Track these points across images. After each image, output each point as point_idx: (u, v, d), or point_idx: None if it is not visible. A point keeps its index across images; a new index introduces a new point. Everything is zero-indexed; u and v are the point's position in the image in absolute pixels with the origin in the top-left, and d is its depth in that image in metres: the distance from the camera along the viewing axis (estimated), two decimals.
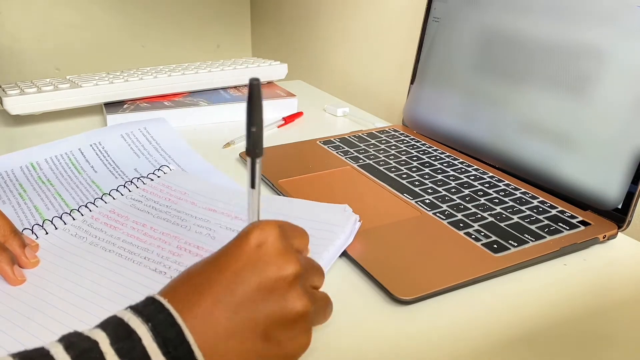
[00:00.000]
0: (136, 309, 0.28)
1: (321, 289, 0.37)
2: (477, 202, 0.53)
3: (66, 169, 0.61)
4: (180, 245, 0.45)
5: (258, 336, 0.29)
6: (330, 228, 0.45)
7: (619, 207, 0.49)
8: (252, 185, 0.33)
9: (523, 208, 0.52)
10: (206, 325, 0.28)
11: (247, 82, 0.88)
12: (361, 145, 0.68)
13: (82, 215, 0.50)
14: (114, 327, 0.27)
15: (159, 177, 0.57)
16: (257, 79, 0.30)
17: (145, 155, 0.64)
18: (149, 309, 0.28)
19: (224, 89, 0.87)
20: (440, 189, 0.56)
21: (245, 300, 0.29)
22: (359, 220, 0.47)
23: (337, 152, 0.66)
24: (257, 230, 0.31)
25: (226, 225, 0.48)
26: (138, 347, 0.26)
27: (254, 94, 0.30)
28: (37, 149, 0.64)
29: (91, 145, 0.66)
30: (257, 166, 0.33)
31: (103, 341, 0.26)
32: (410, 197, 0.54)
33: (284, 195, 0.55)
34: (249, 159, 0.33)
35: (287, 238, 0.32)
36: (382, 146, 0.68)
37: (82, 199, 0.54)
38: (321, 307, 0.35)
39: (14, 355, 0.25)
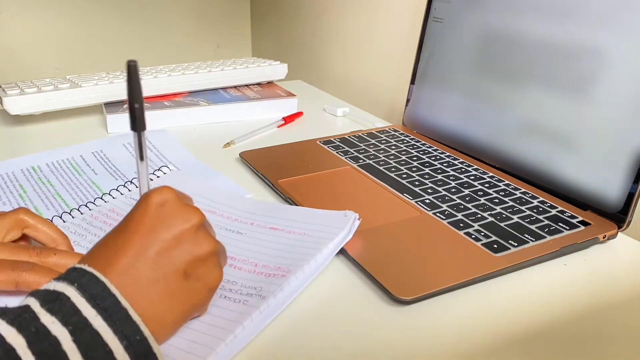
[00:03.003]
0: (59, 278, 0.30)
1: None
2: (477, 202, 0.53)
3: (66, 171, 0.61)
4: None
5: (180, 277, 0.34)
6: (329, 230, 0.45)
7: (621, 208, 0.49)
8: (141, 158, 0.37)
9: (523, 208, 0.52)
10: (129, 277, 0.31)
11: (247, 82, 0.89)
12: (361, 145, 0.68)
13: (82, 214, 0.50)
14: (42, 293, 0.29)
15: (158, 177, 0.57)
16: (134, 61, 0.33)
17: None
18: (72, 275, 0.30)
19: (224, 89, 0.87)
20: (440, 188, 0.56)
21: (162, 251, 0.33)
22: (359, 219, 0.47)
23: (337, 152, 0.66)
24: (155, 193, 0.35)
25: (225, 227, 0.48)
26: (67, 304, 0.28)
27: (132, 74, 0.34)
28: (38, 156, 0.64)
29: (92, 153, 0.66)
30: (143, 139, 0.36)
31: (34, 304, 0.28)
32: (410, 197, 0.54)
33: (283, 196, 0.55)
34: (135, 134, 0.36)
35: (182, 197, 0.37)
36: (382, 146, 0.68)
37: (82, 199, 0.54)
38: (222, 249, 0.38)
39: None
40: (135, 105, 0.35)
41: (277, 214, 0.49)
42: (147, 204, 0.34)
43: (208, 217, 0.49)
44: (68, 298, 0.29)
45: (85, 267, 0.31)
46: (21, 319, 0.27)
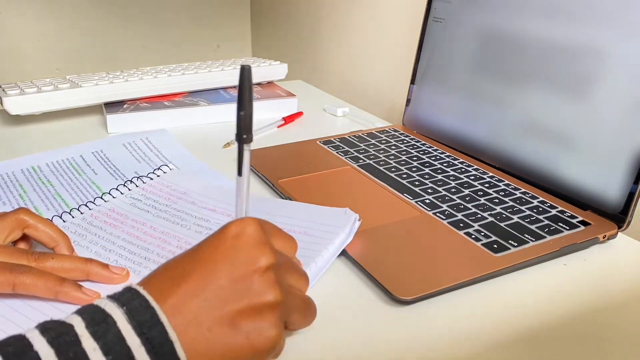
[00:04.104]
0: (113, 296, 0.29)
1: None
2: (477, 202, 0.53)
3: (66, 171, 0.61)
4: (180, 244, 0.45)
5: (225, 324, 0.30)
6: (329, 229, 0.45)
7: (621, 209, 0.49)
8: (240, 173, 0.33)
9: (523, 208, 0.52)
10: (179, 311, 0.29)
11: None
12: (361, 145, 0.68)
13: (82, 213, 0.50)
14: (90, 312, 0.28)
15: (158, 176, 0.57)
16: (249, 65, 0.31)
17: (146, 161, 0.64)
18: (125, 296, 0.29)
19: (224, 89, 0.87)
20: (440, 188, 0.56)
21: (217, 289, 0.30)
22: (359, 219, 0.47)
23: (337, 152, 0.66)
24: (236, 222, 0.32)
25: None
26: (113, 330, 0.27)
27: (245, 79, 0.31)
28: (38, 156, 0.64)
29: (92, 153, 0.66)
30: (247, 153, 0.33)
31: (78, 325, 0.27)
32: (410, 197, 0.54)
33: (283, 195, 0.55)
34: (237, 145, 0.33)
35: (266, 233, 0.33)
36: (382, 146, 0.68)
37: (82, 199, 0.54)
38: (299, 307, 0.35)
39: None
40: (241, 113, 0.32)
41: (276, 210, 0.49)
42: (224, 233, 0.31)
43: (208, 215, 0.49)
44: (115, 322, 0.27)
45: (140, 289, 0.29)
46: (62, 340, 0.26)
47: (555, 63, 0.55)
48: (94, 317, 0.28)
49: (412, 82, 0.74)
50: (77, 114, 0.80)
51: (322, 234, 0.45)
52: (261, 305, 0.30)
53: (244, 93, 0.31)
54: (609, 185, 0.50)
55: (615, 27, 0.50)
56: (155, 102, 0.79)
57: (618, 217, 0.49)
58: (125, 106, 0.77)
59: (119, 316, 0.28)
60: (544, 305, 0.41)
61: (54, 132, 0.74)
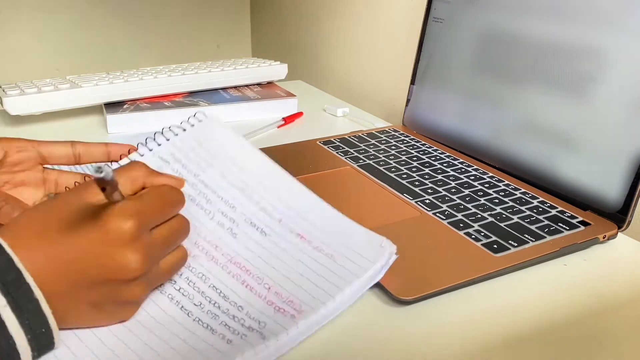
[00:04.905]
0: None
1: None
2: (477, 202, 0.53)
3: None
4: (198, 240, 0.41)
5: (91, 308, 0.32)
6: (359, 261, 0.40)
7: (621, 208, 0.49)
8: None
9: (523, 208, 0.52)
10: (47, 266, 0.30)
11: (247, 82, 0.88)
12: (361, 145, 0.68)
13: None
14: None
15: (192, 125, 0.48)
16: (109, 171, 0.30)
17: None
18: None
19: (224, 89, 0.87)
20: (440, 189, 0.56)
21: (86, 285, 0.31)
22: (396, 253, 0.41)
23: (337, 152, 0.66)
24: (117, 216, 0.31)
25: (250, 219, 0.43)
26: None
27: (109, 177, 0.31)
28: None
29: None
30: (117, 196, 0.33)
31: None
32: (410, 197, 0.54)
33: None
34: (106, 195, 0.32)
35: (145, 220, 0.33)
36: (382, 146, 0.68)
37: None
38: (175, 260, 0.37)
39: None
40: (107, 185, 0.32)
41: (312, 215, 0.44)
42: (105, 226, 0.31)
43: (235, 199, 0.43)
44: None
45: (6, 246, 0.30)
46: None
47: (555, 63, 0.55)
48: None
49: (412, 82, 0.74)
50: (77, 114, 0.80)
51: (350, 265, 0.40)
52: (124, 301, 0.33)
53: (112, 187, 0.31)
54: (608, 185, 0.50)
55: (615, 27, 0.50)
56: (155, 102, 0.79)
57: (618, 217, 0.49)
58: (125, 106, 0.77)
59: None
60: (544, 305, 0.41)
61: (54, 132, 0.74)
